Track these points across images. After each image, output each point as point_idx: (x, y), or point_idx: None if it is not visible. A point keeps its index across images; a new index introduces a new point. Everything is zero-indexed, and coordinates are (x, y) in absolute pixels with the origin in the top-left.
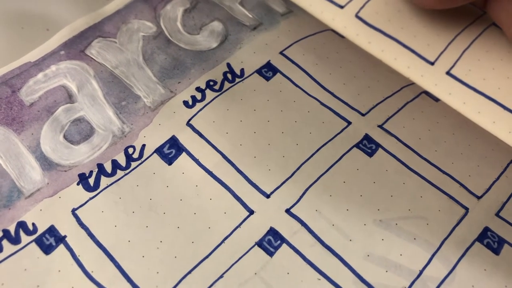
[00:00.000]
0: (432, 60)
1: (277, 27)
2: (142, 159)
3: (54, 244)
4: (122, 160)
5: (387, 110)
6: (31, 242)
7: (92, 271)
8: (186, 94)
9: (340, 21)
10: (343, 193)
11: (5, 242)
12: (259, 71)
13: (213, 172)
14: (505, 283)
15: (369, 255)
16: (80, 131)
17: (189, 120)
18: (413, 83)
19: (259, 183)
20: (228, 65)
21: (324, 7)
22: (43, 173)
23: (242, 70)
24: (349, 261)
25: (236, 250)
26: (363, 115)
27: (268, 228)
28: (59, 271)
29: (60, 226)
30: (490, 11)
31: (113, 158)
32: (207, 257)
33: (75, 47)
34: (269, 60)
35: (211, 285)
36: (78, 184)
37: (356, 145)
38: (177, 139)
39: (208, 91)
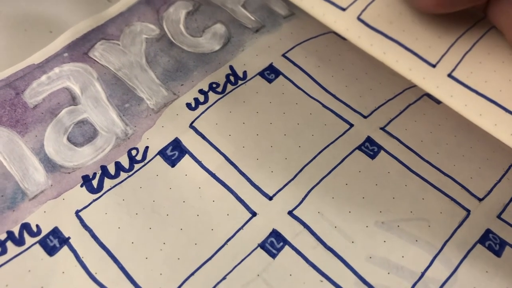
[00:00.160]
0: (433, 62)
1: (279, 29)
2: (145, 161)
3: (58, 245)
4: (125, 162)
5: (389, 112)
6: (35, 243)
7: (95, 273)
8: (189, 96)
9: (342, 23)
10: (345, 195)
11: (9, 244)
12: (261, 74)
13: (216, 174)
14: (507, 285)
15: (371, 257)
16: (83, 133)
17: (192, 122)
18: (415, 86)
19: (262, 185)
20: (231, 67)
21: (326, 9)
22: (47, 175)
23: (244, 73)
24: (351, 263)
25: (238, 252)
26: (365, 117)
27: (270, 230)
28: (63, 272)
29: (64, 228)
30: (490, 15)
31: (117, 160)
32: (210, 258)
33: (79, 49)
34: (272, 63)
35: (214, 286)
36: (81, 186)
37: (358, 147)
38: (180, 141)
39: (211, 94)
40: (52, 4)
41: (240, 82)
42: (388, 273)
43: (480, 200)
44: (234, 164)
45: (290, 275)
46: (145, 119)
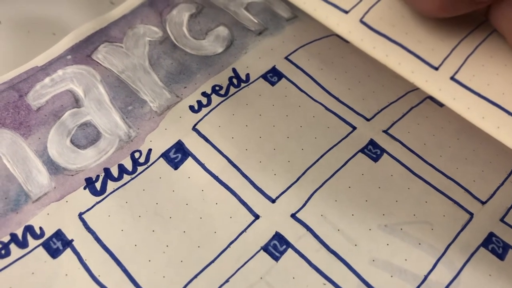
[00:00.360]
0: (436, 65)
1: (282, 32)
2: (149, 164)
3: (61, 248)
4: (128, 165)
5: (392, 115)
6: (38, 246)
7: (99, 275)
8: (192, 99)
9: (344, 26)
10: (348, 198)
11: (12, 246)
12: (264, 76)
13: (219, 176)
14: None
15: (374, 260)
16: (86, 136)
17: (195, 124)
18: (417, 88)
19: (265, 188)
20: (234, 70)
21: (329, 12)
22: (50, 177)
23: (247, 75)
24: (354, 266)
25: (241, 254)
26: (368, 120)
27: (273, 233)
28: (66, 275)
29: (67, 230)
30: (492, 19)
31: (120, 163)
32: (213, 261)
33: (82, 51)
34: (274, 65)
35: None
36: (85, 188)
37: (361, 150)
38: (183, 143)
39: (213, 96)
40: (55, 7)
41: (243, 84)
42: (391, 276)
43: (483, 203)
44: (237, 167)
45: (293, 278)
46: (148, 122)
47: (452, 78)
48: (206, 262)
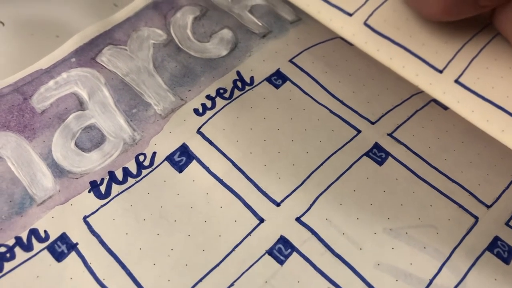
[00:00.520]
0: (440, 68)
1: (286, 35)
2: (153, 167)
3: (66, 251)
4: (133, 168)
5: (397, 118)
6: (43, 249)
7: (103, 279)
8: (197, 102)
9: (349, 29)
10: (353, 201)
11: (17, 249)
12: (268, 79)
13: (224, 180)
14: None
15: (379, 264)
16: (91, 139)
17: (200, 127)
18: (422, 91)
19: (269, 191)
20: (238, 73)
21: (333, 15)
22: (55, 180)
23: (252, 78)
24: (359, 269)
25: (246, 258)
26: (372, 123)
27: (278, 237)
28: (71, 278)
29: (71, 234)
30: (496, 23)
31: (124, 166)
32: (217, 265)
33: (86, 54)
34: (279, 68)
35: None
36: (89, 191)
37: (366, 154)
38: (188, 146)
39: (218, 99)
40: (59, 9)
41: (247, 87)
42: (396, 280)
43: (488, 207)
44: (242, 170)
45: (298, 281)
46: (153, 125)
47: (456, 81)
48: (211, 265)
